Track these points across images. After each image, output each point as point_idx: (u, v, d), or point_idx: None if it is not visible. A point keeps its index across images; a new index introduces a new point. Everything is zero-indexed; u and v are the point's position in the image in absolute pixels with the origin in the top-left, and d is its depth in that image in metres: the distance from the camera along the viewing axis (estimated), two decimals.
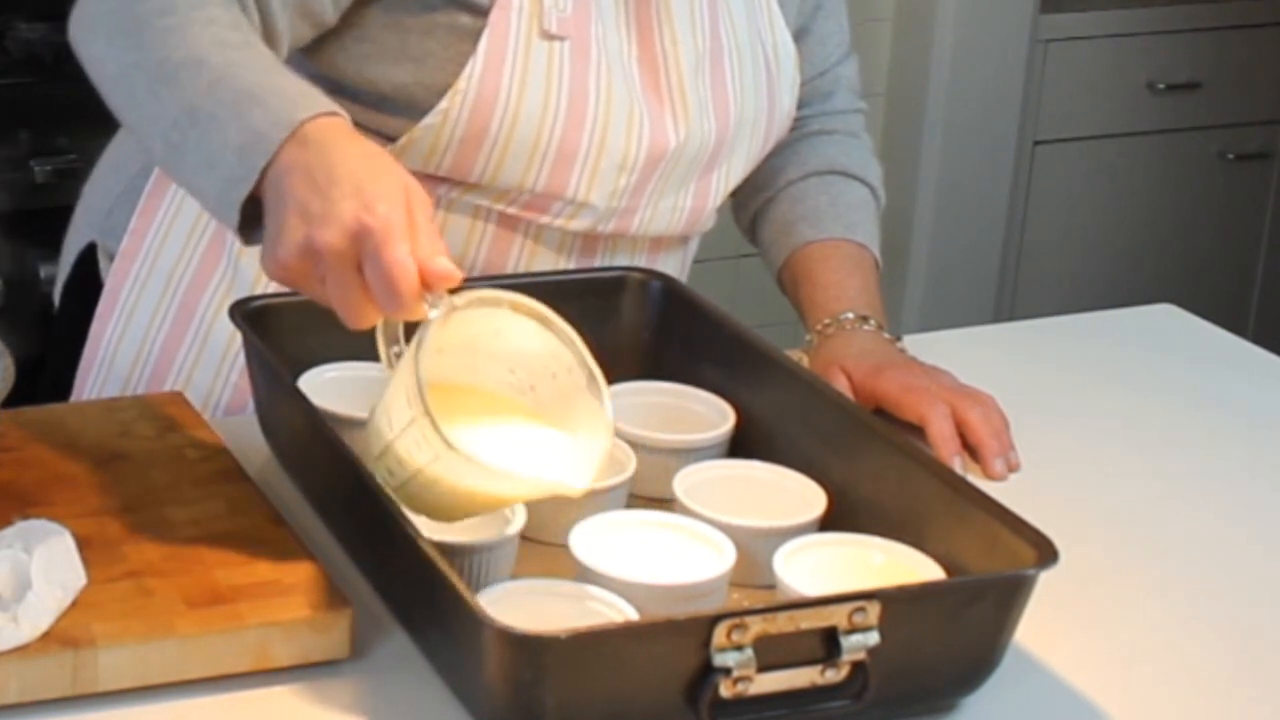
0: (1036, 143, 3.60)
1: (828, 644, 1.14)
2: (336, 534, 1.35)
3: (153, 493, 1.35)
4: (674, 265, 1.71)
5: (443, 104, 1.52)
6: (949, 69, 3.46)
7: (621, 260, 1.64)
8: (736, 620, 1.12)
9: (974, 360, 1.67)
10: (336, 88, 1.53)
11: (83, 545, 1.25)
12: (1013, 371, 1.72)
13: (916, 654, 1.18)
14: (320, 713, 1.19)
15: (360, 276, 1.20)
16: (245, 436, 1.46)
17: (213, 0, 1.38)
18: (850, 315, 1.64)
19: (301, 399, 1.36)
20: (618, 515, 1.33)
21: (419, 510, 1.25)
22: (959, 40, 3.45)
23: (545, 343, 1.27)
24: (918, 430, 1.52)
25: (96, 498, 1.34)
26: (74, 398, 1.69)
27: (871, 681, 1.16)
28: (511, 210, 1.58)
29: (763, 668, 1.13)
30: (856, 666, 1.15)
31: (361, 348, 1.38)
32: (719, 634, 1.11)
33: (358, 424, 1.40)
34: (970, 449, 1.53)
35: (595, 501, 1.34)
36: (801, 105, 1.75)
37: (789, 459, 1.41)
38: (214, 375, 1.63)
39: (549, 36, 1.53)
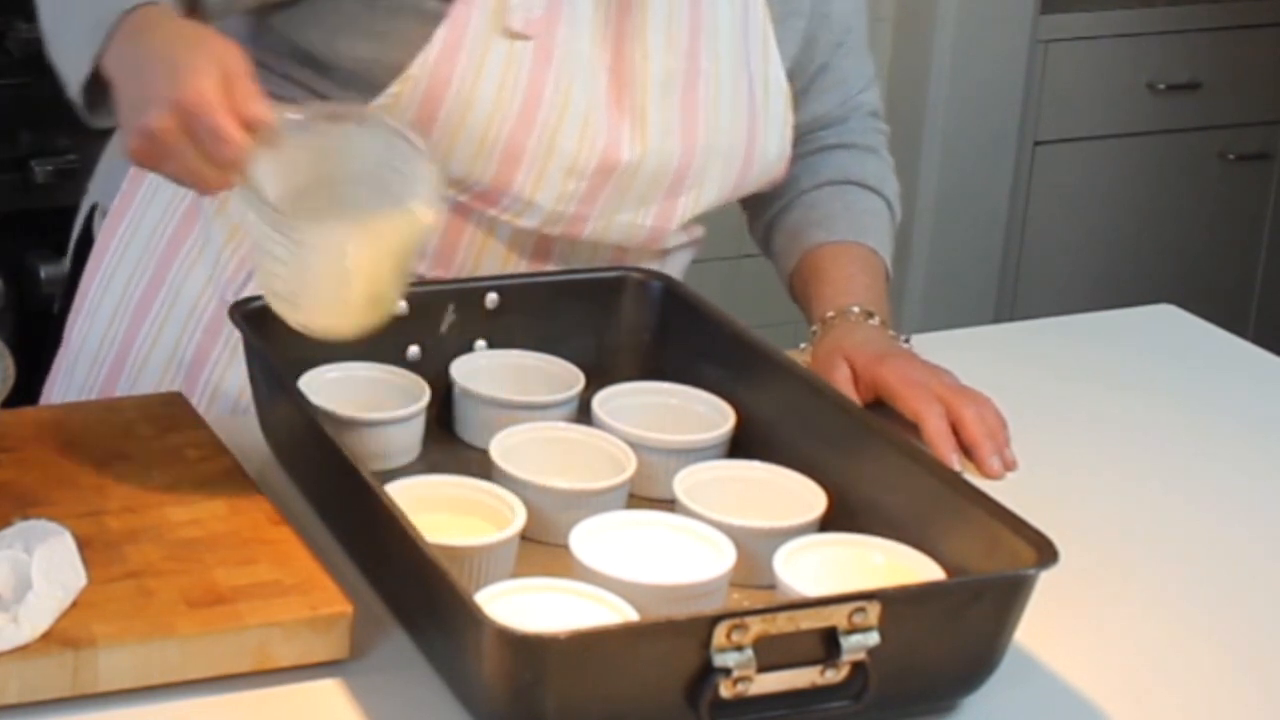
0: (1036, 143, 3.60)
1: (828, 644, 1.14)
2: (336, 534, 1.35)
3: (153, 493, 1.35)
4: None
5: (394, 87, 1.53)
6: (949, 69, 3.46)
7: (580, 264, 1.64)
8: (736, 620, 1.11)
9: (974, 361, 1.67)
10: (308, 59, 1.56)
11: (83, 545, 1.25)
12: (1013, 372, 1.71)
13: (917, 654, 1.18)
14: (320, 713, 1.19)
15: (196, 148, 1.27)
16: (245, 436, 1.46)
17: None
18: (856, 309, 1.63)
19: (301, 399, 1.36)
20: (618, 515, 1.33)
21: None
22: (959, 40, 3.45)
23: (385, 143, 1.32)
24: (913, 427, 1.52)
25: (96, 498, 1.34)
26: (62, 346, 1.76)
27: (871, 682, 1.16)
28: (463, 199, 1.59)
29: (763, 668, 1.13)
30: (856, 667, 1.15)
31: (362, 348, 1.38)
32: (719, 634, 1.11)
33: (358, 424, 1.41)
34: (965, 448, 1.53)
35: (595, 501, 1.35)
36: (820, 128, 1.75)
37: (789, 459, 1.41)
38: (180, 330, 1.67)
39: (512, 34, 1.54)
